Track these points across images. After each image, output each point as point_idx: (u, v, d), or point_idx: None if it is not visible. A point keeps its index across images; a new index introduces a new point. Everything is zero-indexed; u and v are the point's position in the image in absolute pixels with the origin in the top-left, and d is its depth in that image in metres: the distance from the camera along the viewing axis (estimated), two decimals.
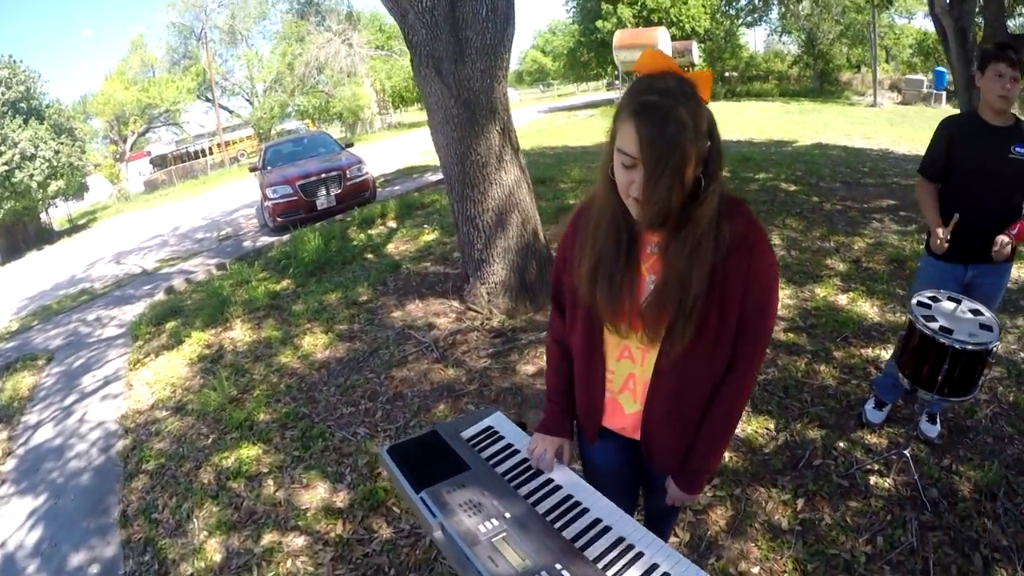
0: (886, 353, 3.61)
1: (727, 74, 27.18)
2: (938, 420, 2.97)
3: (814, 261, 5.00)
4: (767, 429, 3.03)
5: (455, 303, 4.67)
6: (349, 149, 11.23)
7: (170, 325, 5.64)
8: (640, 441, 1.44)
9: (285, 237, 8.36)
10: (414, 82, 4.80)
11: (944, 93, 20.28)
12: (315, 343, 4.52)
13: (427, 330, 4.37)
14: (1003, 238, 2.36)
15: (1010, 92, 2.30)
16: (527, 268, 4.37)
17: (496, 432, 1.57)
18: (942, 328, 2.21)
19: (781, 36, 28.63)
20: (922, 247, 4.96)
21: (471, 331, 4.23)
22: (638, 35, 21.27)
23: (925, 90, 20.72)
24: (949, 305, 2.37)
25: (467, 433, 1.56)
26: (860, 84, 24.58)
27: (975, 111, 2.49)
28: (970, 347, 2.14)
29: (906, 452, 2.65)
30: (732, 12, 27.32)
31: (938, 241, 2.41)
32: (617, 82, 26.89)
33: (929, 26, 25.70)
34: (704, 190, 1.15)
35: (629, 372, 1.38)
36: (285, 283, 6.09)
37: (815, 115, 17.62)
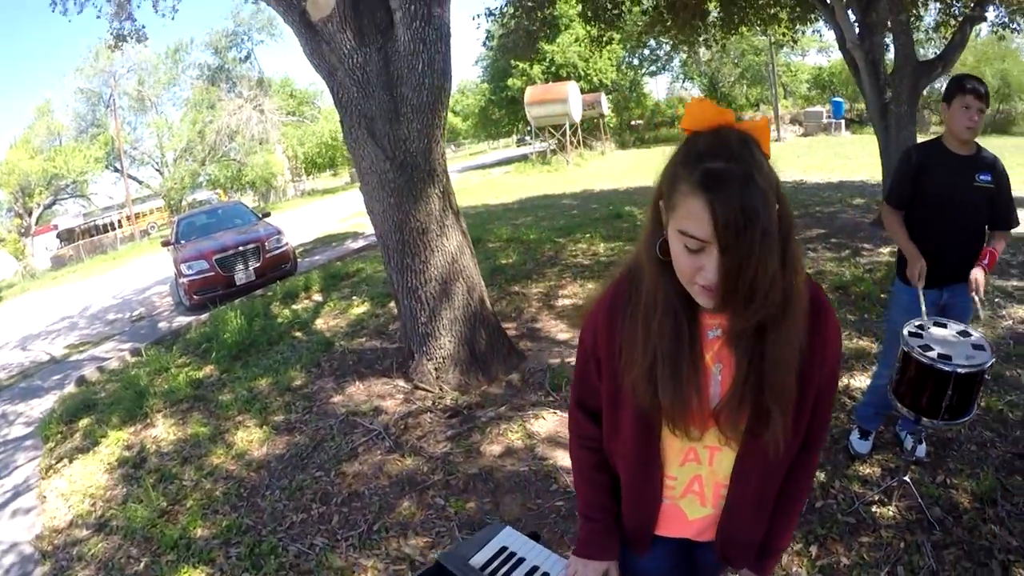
0: (855, 381, 3.59)
1: (633, 123, 28.49)
2: (923, 439, 2.93)
3: None
4: None
5: (400, 382, 4.30)
6: (265, 219, 10.72)
7: (84, 423, 4.97)
8: (717, 546, 1.25)
9: (204, 316, 7.74)
10: (344, 144, 4.53)
11: (843, 121, 21.95)
12: (250, 438, 4.02)
13: (374, 415, 3.98)
14: (978, 275, 2.42)
15: (976, 124, 2.38)
16: (476, 339, 4.11)
17: (513, 553, 1.29)
18: (940, 355, 2.16)
19: (684, 82, 30.47)
20: (865, 273, 5.24)
21: (423, 412, 3.88)
22: (548, 90, 21.95)
23: (825, 120, 22.33)
24: (938, 331, 2.34)
25: (478, 559, 1.27)
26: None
27: (940, 141, 2.54)
28: (970, 370, 2.11)
29: (906, 478, 2.61)
30: (636, 63, 28.83)
31: (917, 276, 2.44)
32: (527, 137, 27.59)
33: (823, 60, 28.14)
34: (785, 261, 0.94)
35: (695, 475, 1.18)
36: (208, 369, 5.53)
37: None
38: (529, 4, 8.36)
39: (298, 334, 6.02)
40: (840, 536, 2.47)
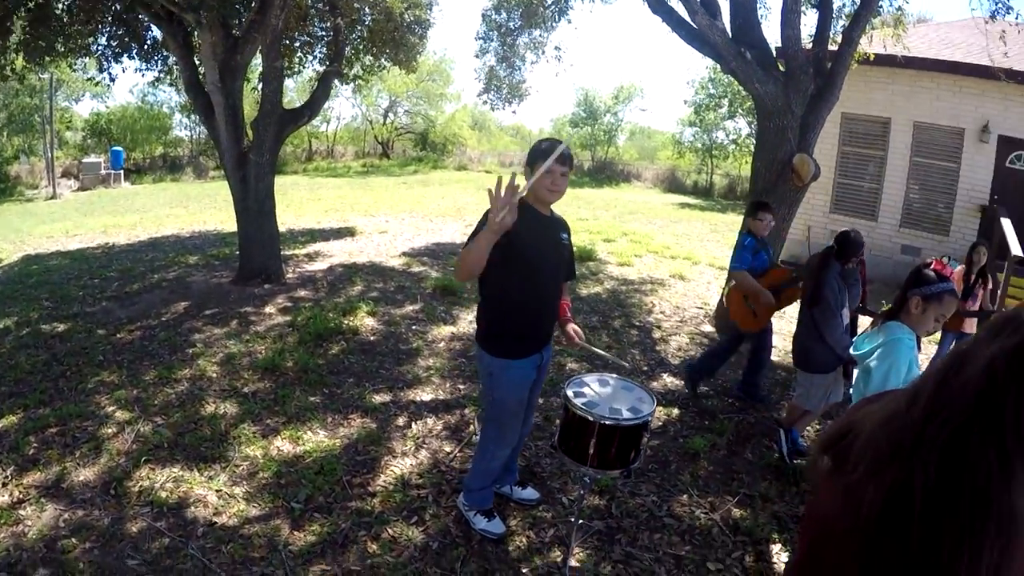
0: (401, 461, 3.35)
1: None
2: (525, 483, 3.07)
3: (206, 419, 3.71)
4: None
5: None
6: None
7: None
8: None
9: None
10: None
11: (122, 172, 19.79)
12: None
13: None
14: (576, 328, 2.57)
15: (560, 188, 2.34)
16: None
17: None
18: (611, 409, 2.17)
19: None
20: (278, 342, 4.53)
21: None
22: None
23: (103, 172, 19.67)
24: (603, 389, 2.34)
25: None
26: (30, 176, 20.91)
27: (524, 202, 2.24)
28: (636, 421, 2.16)
29: (579, 520, 2.63)
30: None
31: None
32: None
33: (97, 107, 24.29)
34: None
35: None
36: None
37: None
38: None
39: None
40: None
